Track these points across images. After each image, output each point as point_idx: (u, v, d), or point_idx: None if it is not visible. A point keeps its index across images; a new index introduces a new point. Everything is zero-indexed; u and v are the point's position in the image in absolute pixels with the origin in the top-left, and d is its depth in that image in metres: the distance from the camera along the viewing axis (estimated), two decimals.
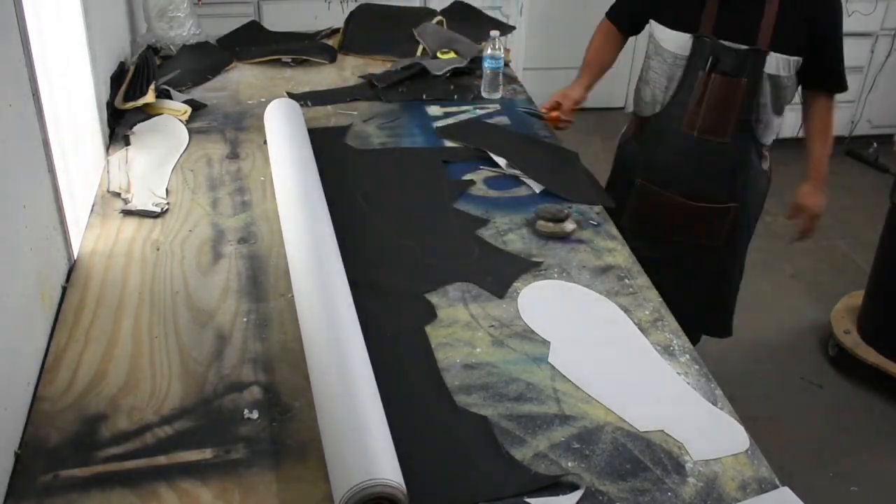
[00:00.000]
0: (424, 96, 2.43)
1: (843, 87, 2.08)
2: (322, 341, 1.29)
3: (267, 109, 2.14)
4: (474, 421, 1.25)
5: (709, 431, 1.24)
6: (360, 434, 1.11)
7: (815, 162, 2.15)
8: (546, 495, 1.12)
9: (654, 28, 2.09)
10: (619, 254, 1.69)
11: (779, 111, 2.10)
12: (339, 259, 1.52)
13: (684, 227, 2.17)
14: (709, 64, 1.98)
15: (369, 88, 2.48)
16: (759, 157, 2.16)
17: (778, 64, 1.97)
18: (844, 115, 4.65)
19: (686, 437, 1.22)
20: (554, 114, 2.14)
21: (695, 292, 2.21)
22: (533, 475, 1.15)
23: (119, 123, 2.17)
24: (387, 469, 1.06)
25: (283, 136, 1.96)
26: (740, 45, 1.96)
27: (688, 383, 1.34)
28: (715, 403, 1.30)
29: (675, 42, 2.04)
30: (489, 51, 2.39)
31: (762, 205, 2.28)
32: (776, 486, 1.15)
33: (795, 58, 1.98)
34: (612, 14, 2.23)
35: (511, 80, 2.58)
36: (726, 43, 1.97)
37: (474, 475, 1.15)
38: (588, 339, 1.44)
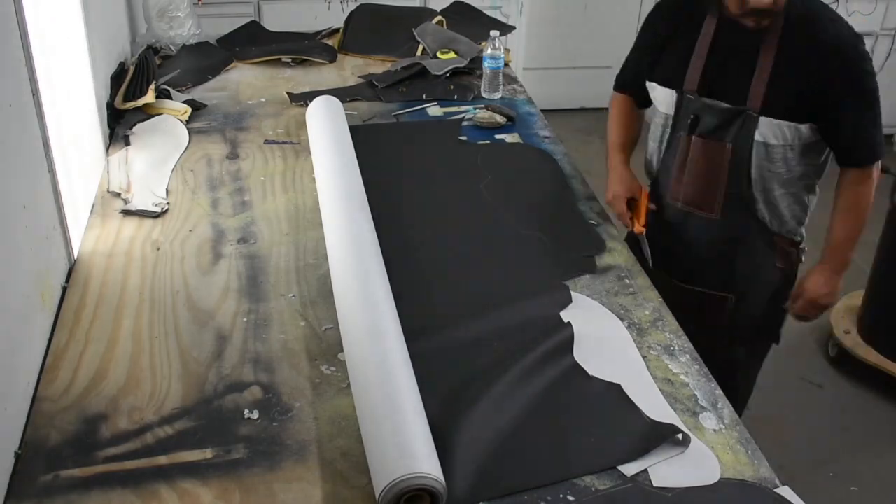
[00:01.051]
0: (424, 96, 2.43)
1: (872, 158, 1.72)
2: (361, 333, 1.30)
3: (309, 108, 2.16)
4: (608, 388, 1.31)
5: (680, 459, 1.20)
6: (399, 426, 1.12)
7: (832, 244, 1.79)
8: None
9: (648, 87, 1.85)
10: (619, 254, 1.69)
11: (791, 188, 1.77)
12: (378, 250, 1.53)
13: (681, 308, 1.59)
14: (689, 123, 1.74)
15: (369, 88, 2.48)
16: (769, 246, 1.81)
17: (774, 131, 1.67)
18: None
19: (654, 461, 1.19)
20: (638, 228, 1.85)
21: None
22: (656, 426, 1.23)
23: (119, 123, 2.18)
24: (426, 463, 1.07)
25: (329, 137, 1.98)
26: (728, 105, 1.70)
27: (688, 385, 1.34)
28: (715, 404, 1.30)
29: (664, 100, 1.81)
30: (489, 51, 2.39)
31: (778, 303, 1.88)
32: (776, 486, 1.15)
33: (790, 123, 1.66)
34: (618, 84, 1.99)
35: (511, 79, 2.58)
36: (709, 101, 1.72)
37: (619, 438, 1.22)
38: (590, 359, 1.40)
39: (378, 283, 1.43)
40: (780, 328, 1.93)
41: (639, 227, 1.84)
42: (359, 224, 1.61)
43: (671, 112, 1.79)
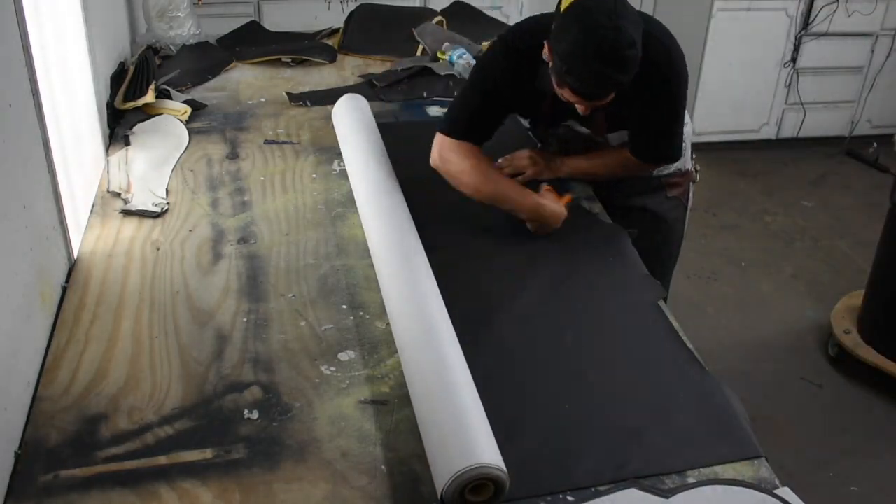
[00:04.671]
0: (425, 94, 2.43)
1: (642, 156, 1.83)
2: (416, 332, 1.32)
3: (335, 108, 2.17)
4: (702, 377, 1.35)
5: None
6: (460, 420, 1.14)
7: (575, 161, 1.92)
8: None
9: None
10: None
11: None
12: (420, 248, 1.55)
13: None
14: (557, 140, 1.97)
15: (369, 88, 2.48)
16: (659, 191, 1.99)
17: (621, 137, 1.86)
18: (844, 115, 4.65)
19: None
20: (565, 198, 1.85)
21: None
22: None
23: (119, 123, 2.18)
24: (487, 453, 1.08)
25: (359, 137, 1.99)
26: (582, 129, 1.89)
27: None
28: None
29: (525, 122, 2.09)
30: (454, 58, 2.51)
31: (678, 234, 2.09)
32: (776, 486, 1.15)
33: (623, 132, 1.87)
34: (459, 134, 1.76)
35: None
36: (569, 125, 1.91)
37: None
38: None
39: (426, 278, 1.45)
40: (680, 244, 2.13)
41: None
42: (400, 221, 1.63)
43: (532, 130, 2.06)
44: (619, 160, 1.87)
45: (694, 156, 2.10)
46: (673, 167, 1.97)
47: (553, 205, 1.73)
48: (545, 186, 1.80)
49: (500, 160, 1.91)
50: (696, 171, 2.09)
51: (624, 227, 1.83)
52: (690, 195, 2.09)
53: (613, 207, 1.92)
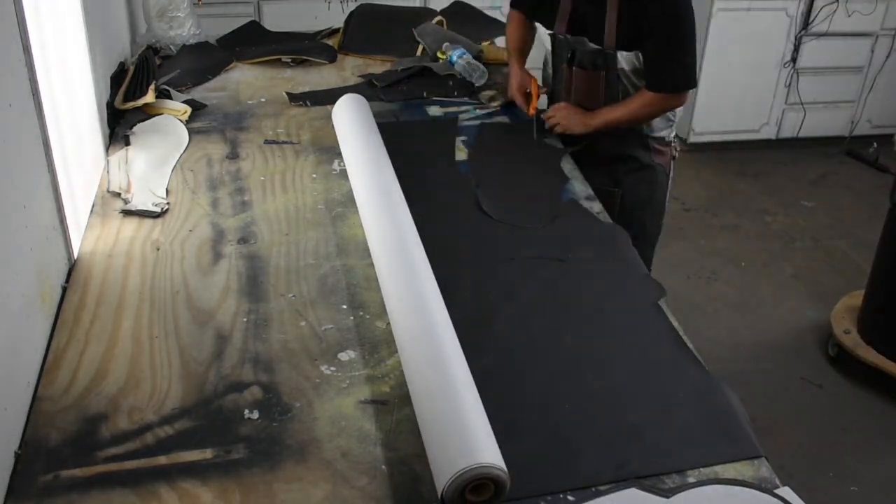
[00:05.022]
0: (425, 94, 2.43)
1: (655, 86, 2.07)
2: (416, 332, 1.32)
3: (335, 108, 2.17)
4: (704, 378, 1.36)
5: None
6: (459, 419, 1.14)
7: (603, 109, 2.14)
8: None
9: (537, 25, 2.33)
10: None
11: None
12: (421, 248, 1.54)
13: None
14: (568, 58, 2.16)
15: (369, 88, 2.48)
16: (646, 150, 2.21)
17: (630, 60, 2.07)
18: (844, 115, 4.66)
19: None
20: (531, 112, 2.24)
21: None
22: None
23: (119, 123, 2.17)
24: (488, 453, 1.08)
25: (359, 138, 2.00)
26: (593, 44, 2.10)
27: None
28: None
29: (545, 38, 2.26)
30: (452, 56, 2.56)
31: (659, 200, 2.29)
32: (776, 486, 1.15)
33: (637, 52, 2.06)
34: (512, 5, 2.38)
35: None
36: (576, 39, 2.12)
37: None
38: None
39: (427, 280, 1.45)
40: (662, 217, 2.33)
41: (531, 111, 2.24)
42: (401, 221, 1.62)
43: (550, 48, 2.25)
44: (642, 101, 2.08)
45: (675, 136, 2.31)
46: (662, 131, 2.20)
47: (513, 87, 2.28)
48: (535, 81, 2.26)
49: (546, 112, 2.23)
50: (676, 149, 2.31)
51: (612, 177, 2.18)
52: (671, 171, 2.30)
53: (604, 157, 2.18)
